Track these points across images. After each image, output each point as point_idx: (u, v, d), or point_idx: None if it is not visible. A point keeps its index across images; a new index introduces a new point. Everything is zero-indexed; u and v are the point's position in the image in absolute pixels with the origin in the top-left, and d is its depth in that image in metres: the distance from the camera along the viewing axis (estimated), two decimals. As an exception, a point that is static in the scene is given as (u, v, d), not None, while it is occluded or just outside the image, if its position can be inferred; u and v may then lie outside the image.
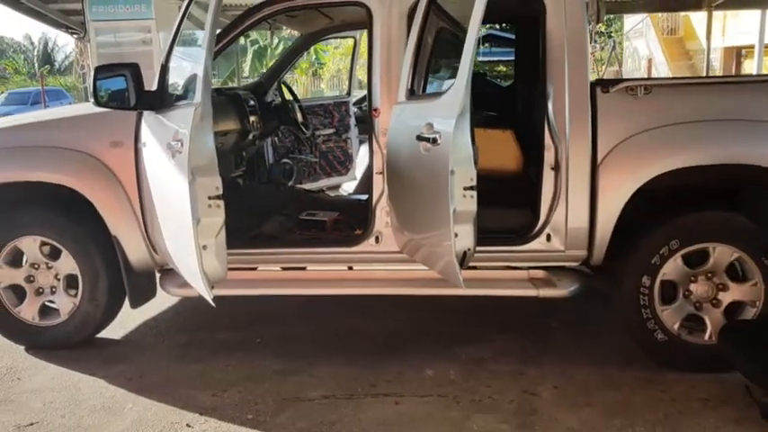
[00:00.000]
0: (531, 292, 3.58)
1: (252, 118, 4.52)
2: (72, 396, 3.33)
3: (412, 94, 3.43)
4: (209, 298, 2.92)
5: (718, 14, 18.11)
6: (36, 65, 43.69)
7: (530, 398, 3.25)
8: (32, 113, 4.32)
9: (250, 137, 4.51)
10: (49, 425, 3.07)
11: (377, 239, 3.66)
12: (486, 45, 26.14)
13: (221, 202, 2.88)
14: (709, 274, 3.44)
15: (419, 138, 3.05)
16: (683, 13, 21.06)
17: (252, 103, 4.60)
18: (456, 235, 2.93)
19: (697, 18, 19.20)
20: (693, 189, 3.44)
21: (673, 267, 3.44)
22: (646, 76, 19.08)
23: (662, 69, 21.32)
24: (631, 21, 23.51)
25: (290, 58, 5.47)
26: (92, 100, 3.41)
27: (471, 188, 2.91)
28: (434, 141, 2.93)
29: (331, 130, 5.98)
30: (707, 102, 3.39)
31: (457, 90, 2.89)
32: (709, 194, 3.46)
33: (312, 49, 19.34)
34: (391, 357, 3.69)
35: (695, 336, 3.48)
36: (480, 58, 22.95)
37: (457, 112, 2.84)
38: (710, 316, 3.46)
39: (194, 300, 4.51)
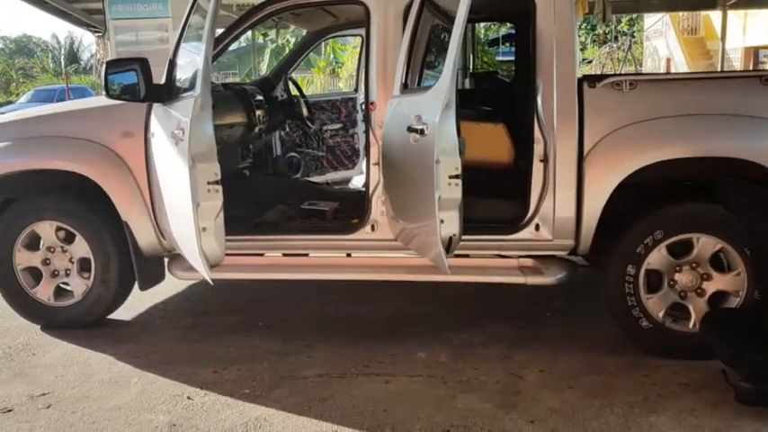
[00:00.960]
0: (520, 280, 3.71)
1: (258, 112, 4.70)
2: (82, 370, 3.54)
3: (405, 88, 3.59)
4: (207, 277, 3.11)
5: (739, 14, 18.03)
6: (62, 63, 44.51)
7: (515, 380, 3.39)
8: (50, 106, 4.54)
9: (256, 130, 4.70)
10: (60, 395, 3.27)
11: (372, 228, 3.82)
12: (506, 44, 26.21)
13: (219, 187, 3.06)
14: (694, 264, 3.56)
15: (409, 129, 3.21)
16: (703, 13, 20.95)
17: (258, 97, 4.78)
18: (442, 221, 3.09)
19: (717, 18, 19.12)
20: (676, 181, 3.55)
21: (657, 257, 3.56)
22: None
23: (681, 69, 21.20)
24: (650, 20, 23.41)
25: (296, 55, 5.65)
26: (104, 93, 3.60)
27: (456, 177, 3.06)
28: (422, 132, 3.09)
29: (338, 125, 6.15)
30: (689, 97, 3.51)
31: (442, 83, 3.04)
32: (690, 187, 3.57)
33: (330, 48, 19.54)
34: (385, 341, 3.85)
35: (680, 324, 3.60)
36: (500, 58, 23.04)
37: (442, 105, 3.00)
38: (695, 305, 3.57)
39: (201, 285, 4.78)
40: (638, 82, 3.52)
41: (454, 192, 3.07)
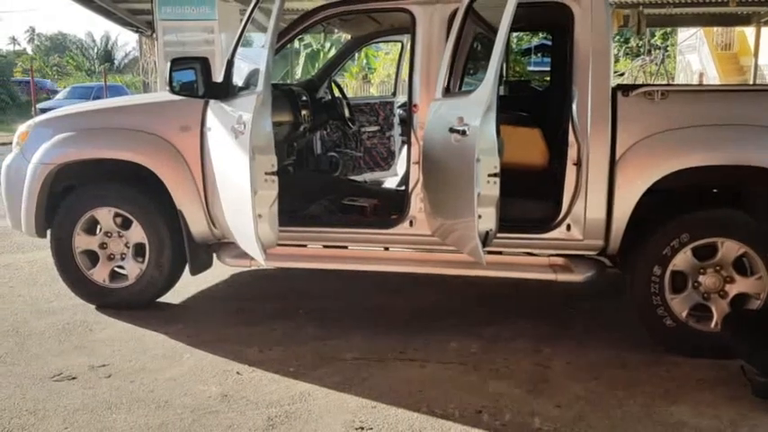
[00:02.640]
0: (550, 276, 3.91)
1: (304, 111, 4.96)
2: (137, 346, 3.81)
3: (447, 92, 3.81)
4: (261, 260, 3.36)
5: (773, 31, 17.98)
6: (96, 62, 45.47)
7: (543, 370, 3.59)
8: (112, 99, 4.83)
9: (301, 129, 4.95)
10: (118, 366, 3.54)
11: (411, 223, 4.05)
12: (539, 55, 26.38)
13: (275, 178, 3.31)
14: (718, 267, 3.72)
15: (451, 130, 3.43)
16: (737, 29, 20.90)
17: (304, 98, 5.04)
18: (480, 217, 3.30)
19: (752, 34, 19.07)
20: (703, 188, 3.73)
21: (683, 259, 3.73)
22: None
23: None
24: (684, 34, 23.38)
25: (340, 59, 5.90)
26: (167, 88, 3.87)
27: (495, 175, 3.28)
28: (464, 133, 3.31)
29: (376, 128, 6.39)
30: (717, 108, 3.68)
31: (485, 88, 3.26)
32: (716, 193, 3.74)
33: (363, 54, 19.86)
34: (419, 331, 4.06)
35: (702, 324, 3.76)
36: (531, 68, 23.22)
37: (484, 108, 3.22)
38: (717, 306, 3.73)
39: (243, 274, 5.04)
40: (669, 92, 3.71)
41: (492, 189, 3.28)
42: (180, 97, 3.97)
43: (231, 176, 3.55)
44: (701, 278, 3.75)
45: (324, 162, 5.72)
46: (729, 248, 3.68)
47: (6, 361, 3.60)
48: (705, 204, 3.76)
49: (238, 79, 3.95)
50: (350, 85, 19.97)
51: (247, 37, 6.38)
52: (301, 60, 19.80)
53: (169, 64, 3.78)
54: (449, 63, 3.83)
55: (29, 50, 53.27)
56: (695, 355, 3.69)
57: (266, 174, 3.27)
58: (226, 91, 3.82)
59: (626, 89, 3.77)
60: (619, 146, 3.72)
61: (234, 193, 3.49)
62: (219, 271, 4.91)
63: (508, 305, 4.58)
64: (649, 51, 25.39)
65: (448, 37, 3.86)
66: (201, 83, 3.82)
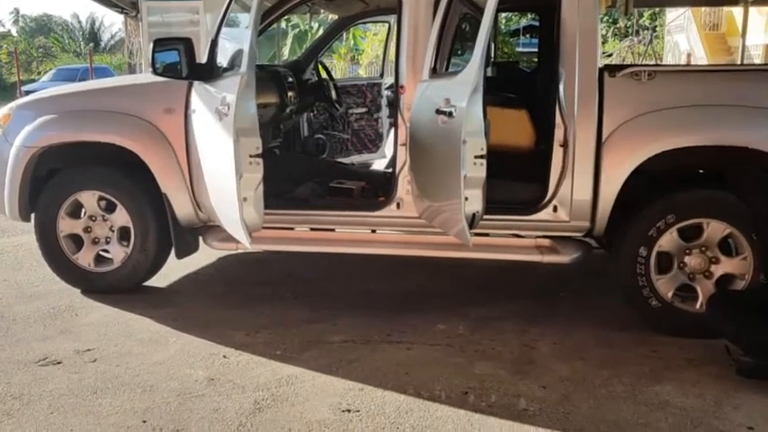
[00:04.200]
0: (537, 258, 3.92)
1: (290, 93, 4.91)
2: (123, 330, 3.79)
3: (434, 73, 3.78)
4: (247, 243, 3.34)
5: (762, 11, 17.95)
6: (82, 44, 44.90)
7: (529, 351, 3.60)
8: (96, 81, 4.76)
9: (287, 111, 4.91)
10: (104, 351, 3.52)
11: (398, 205, 4.03)
12: (527, 36, 26.24)
13: (260, 160, 3.28)
14: (703, 248, 3.74)
15: (437, 111, 3.41)
16: (726, 9, 20.87)
17: (290, 79, 4.99)
18: (466, 199, 3.29)
19: (740, 14, 19.04)
20: (689, 168, 3.73)
21: (669, 240, 3.74)
22: (684, 70, 18.93)
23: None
24: (672, 15, 23.33)
25: (326, 40, 5.85)
26: (149, 70, 3.82)
27: (481, 157, 3.26)
28: (450, 114, 3.29)
29: (363, 110, 6.34)
30: (705, 88, 3.68)
31: (471, 69, 3.24)
32: (702, 174, 3.75)
33: (351, 35, 19.72)
34: (407, 313, 4.06)
35: (687, 304, 3.79)
36: (520, 49, 23.11)
37: (470, 89, 3.19)
38: (702, 286, 3.76)
39: (230, 258, 5.03)
40: (656, 73, 3.70)
41: (479, 171, 3.27)
42: (164, 79, 3.92)
43: (216, 159, 3.51)
44: (686, 259, 3.76)
45: (311, 144, 5.67)
46: (715, 229, 3.70)
47: (-10, 346, 3.58)
48: (691, 185, 3.76)
49: (223, 60, 3.91)
50: (338, 66, 19.85)
51: (233, 17, 6.30)
52: (289, 41, 19.65)
53: (151, 45, 3.72)
54: (435, 44, 3.79)
55: (14, 32, 52.53)
56: (681, 335, 3.71)
57: (251, 156, 3.24)
58: (210, 72, 3.77)
59: (613, 70, 3.76)
60: (605, 127, 3.71)
61: (218, 175, 3.46)
62: (207, 254, 4.90)
63: (498, 287, 4.59)
64: (637, 32, 25.34)
65: (434, 17, 3.83)
66: (185, 64, 3.78)
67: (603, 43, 26.38)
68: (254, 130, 3.25)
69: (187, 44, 3.76)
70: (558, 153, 3.82)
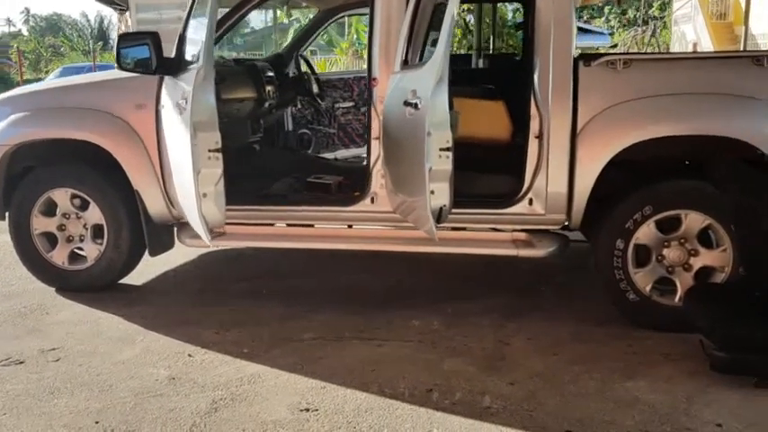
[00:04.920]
0: (512, 252, 3.83)
1: (268, 87, 4.85)
2: (92, 329, 3.74)
3: (405, 64, 3.70)
4: (207, 241, 3.28)
5: (767, -1, 17.68)
6: (90, 42, 45.08)
7: (502, 346, 3.52)
8: (68, 78, 4.72)
9: (266, 105, 4.85)
10: (69, 350, 3.48)
11: (372, 200, 3.95)
12: None
13: (220, 155, 3.22)
14: (682, 240, 3.65)
15: (405, 103, 3.33)
16: (732, -2, 20.59)
17: (269, 73, 4.93)
18: (432, 192, 3.22)
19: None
20: (667, 159, 3.64)
21: (646, 232, 3.65)
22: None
23: (708, 55, 20.83)
24: (678, 4, 23.05)
25: (308, 34, 5.76)
26: (116, 65, 3.77)
27: (447, 149, 3.18)
28: (416, 106, 3.21)
29: (350, 104, 6.26)
30: (682, 77, 3.58)
31: (435, 59, 3.16)
32: (680, 164, 3.65)
33: (354, 29, 19.58)
34: (383, 309, 4.00)
35: (666, 297, 3.70)
36: None
37: (435, 80, 3.11)
38: (681, 279, 3.66)
39: (211, 255, 4.98)
40: (632, 61, 3.60)
41: (444, 164, 3.20)
42: (134, 74, 3.87)
43: (178, 155, 3.45)
44: (665, 251, 3.67)
45: (294, 139, 5.62)
46: (693, 220, 3.60)
47: (-45, 346, 3.55)
48: (669, 176, 3.66)
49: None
50: (341, 61, 19.74)
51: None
52: (290, 37, 19.57)
53: (116, 39, 3.67)
54: (407, 34, 3.72)
55: (24, 32, 52.89)
56: (660, 330, 3.62)
57: (210, 151, 3.18)
58: (177, 66, 3.71)
59: (588, 59, 3.67)
60: (580, 117, 3.63)
61: (180, 171, 3.41)
62: (187, 252, 4.84)
63: (481, 281, 4.51)
64: (645, 22, 25.06)
65: (407, 7, 3.75)
66: (154, 58, 3.72)
67: (611, 34, 26.11)
68: (212, 124, 3.19)
69: (154, 38, 3.70)
70: (533, 145, 3.73)
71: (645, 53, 5.48)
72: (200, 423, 2.76)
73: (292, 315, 3.92)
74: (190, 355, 3.40)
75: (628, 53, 4.92)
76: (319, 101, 5.50)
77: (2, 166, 4.21)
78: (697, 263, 3.65)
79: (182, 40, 3.75)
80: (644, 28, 21.50)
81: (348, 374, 3.17)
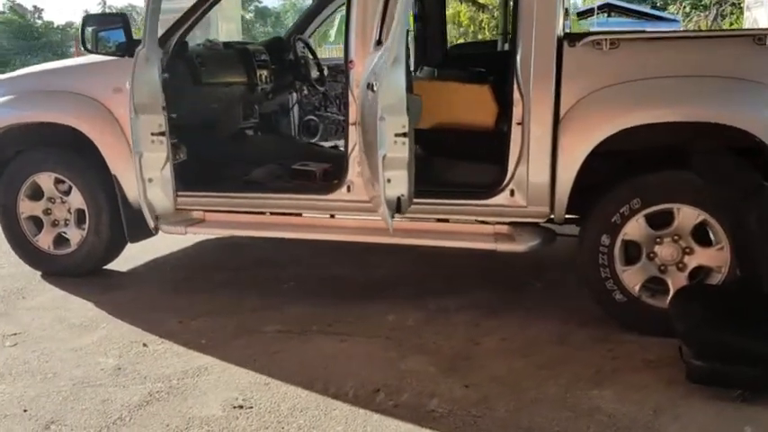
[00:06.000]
0: (489, 246, 3.61)
1: (261, 72, 4.73)
2: (59, 315, 3.72)
3: (378, 44, 3.51)
4: (151, 225, 3.19)
5: None
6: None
7: (471, 346, 3.32)
8: (58, 62, 4.72)
9: (259, 90, 4.73)
10: (29, 335, 3.46)
11: (348, 189, 3.79)
12: (603, 15, 24.95)
13: (164, 139, 3.10)
14: (675, 237, 3.36)
15: (367, 86, 3.16)
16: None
17: (263, 57, 4.81)
18: (389, 181, 3.04)
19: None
20: (657, 148, 3.34)
21: (635, 227, 3.37)
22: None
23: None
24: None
25: (309, 18, 5.61)
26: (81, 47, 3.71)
27: (403, 135, 2.99)
28: (373, 88, 3.03)
29: (360, 89, 6.09)
30: (675, 57, 3.28)
31: (391, 39, 2.96)
32: (672, 154, 3.35)
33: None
34: (362, 302, 3.84)
35: (657, 299, 3.41)
36: (594, 29, 22.07)
37: (390, 60, 2.92)
38: (674, 279, 3.37)
39: (210, 242, 4.92)
40: (620, 41, 3.31)
41: (401, 151, 3.01)
42: (113, 58, 3.81)
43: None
44: (656, 248, 3.39)
45: (298, 126, 5.48)
46: (687, 215, 3.30)
47: None
48: (658, 166, 3.36)
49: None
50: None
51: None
52: (336, 23, 19.47)
53: (81, 20, 3.61)
54: (381, 13, 3.52)
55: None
56: (648, 333, 3.33)
57: (153, 134, 3.07)
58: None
59: (574, 38, 3.40)
60: (563, 103, 3.37)
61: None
62: (184, 239, 4.79)
63: (468, 276, 4.28)
64: (720, 3, 23.84)
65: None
66: (124, 41, 3.65)
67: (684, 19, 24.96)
68: (154, 106, 3.09)
69: (125, 19, 3.63)
70: (516, 132, 3.49)
71: (636, 32, 5.09)
72: (126, 416, 2.67)
73: (266, 306, 3.81)
74: (145, 345, 3.32)
75: (616, 32, 4.58)
76: (318, 87, 5.34)
77: (-10, 149, 4.23)
78: (692, 262, 3.35)
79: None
80: (706, 13, 20.48)
81: (297, 371, 3.03)
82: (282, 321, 3.59)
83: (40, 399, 2.81)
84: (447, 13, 18.46)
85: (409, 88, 3.01)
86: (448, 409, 2.71)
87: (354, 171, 3.76)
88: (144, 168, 3.06)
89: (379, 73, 3.03)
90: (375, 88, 3.00)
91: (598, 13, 24.86)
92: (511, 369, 3.06)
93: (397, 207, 3.15)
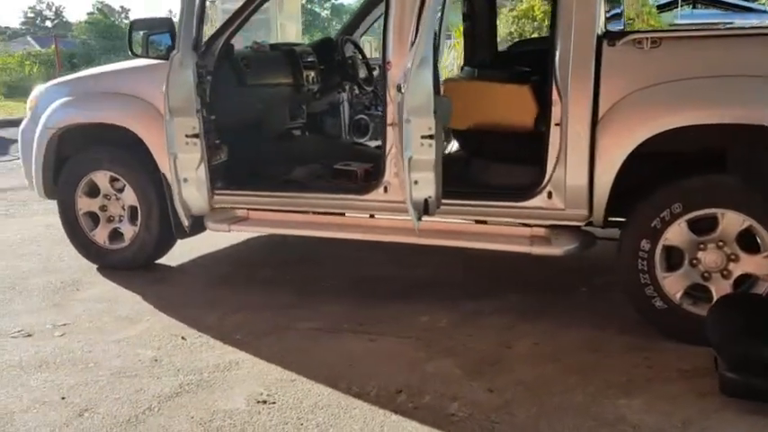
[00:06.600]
0: (524, 249, 3.56)
1: (307, 73, 4.81)
2: (108, 307, 3.89)
3: (413, 45, 3.51)
4: (186, 224, 3.29)
5: None
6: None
7: (502, 350, 3.28)
8: (114, 64, 4.92)
9: (305, 90, 4.81)
10: (77, 326, 3.63)
11: (385, 189, 3.79)
12: (688, 7, 23.91)
13: (198, 141, 3.20)
14: (720, 243, 3.23)
15: (397, 88, 3.17)
16: None
17: (310, 58, 4.88)
18: (415, 182, 3.04)
19: None
20: (697, 150, 3.22)
21: (676, 233, 3.26)
22: None
23: None
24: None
25: (360, 17, 5.65)
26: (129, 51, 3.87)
27: (430, 137, 2.99)
28: (400, 90, 3.04)
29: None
30: (720, 56, 3.14)
31: (419, 40, 2.96)
32: (715, 157, 3.21)
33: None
34: (397, 302, 3.85)
35: (699, 307, 3.28)
36: (678, 21, 21.19)
37: (416, 62, 2.92)
38: (718, 287, 3.24)
39: (259, 239, 5.04)
40: (662, 39, 3.21)
41: (428, 153, 3.01)
42: (161, 61, 3.95)
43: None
44: (700, 255, 3.26)
45: (348, 126, 5.53)
46: (731, 221, 3.17)
47: (-17, 316, 3.81)
48: (701, 170, 3.23)
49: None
50: (459, 45, 19.26)
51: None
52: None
53: (128, 25, 3.76)
54: (417, 13, 3.52)
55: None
56: (689, 342, 3.21)
57: (187, 136, 3.17)
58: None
59: (614, 37, 3.31)
60: (602, 103, 3.29)
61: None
62: (236, 236, 4.93)
63: (512, 278, 4.22)
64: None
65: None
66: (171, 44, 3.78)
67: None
68: (188, 109, 3.19)
69: (170, 24, 3.76)
70: (555, 133, 3.43)
71: (683, 28, 4.85)
72: (155, 407, 2.78)
73: (301, 303, 3.88)
74: (183, 338, 3.44)
75: (661, 30, 4.41)
76: (365, 87, 5.37)
77: (50, 148, 4.44)
78: (737, 269, 3.22)
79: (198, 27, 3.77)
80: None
81: (323, 368, 3.08)
82: (315, 319, 3.64)
83: (78, 387, 2.95)
84: (522, 7, 18.11)
85: (437, 90, 3.00)
86: (467, 413, 2.69)
87: (391, 172, 3.77)
88: (179, 169, 3.17)
89: (406, 74, 3.03)
90: (402, 90, 3.00)
91: (682, 5, 23.85)
92: (539, 374, 3.02)
93: (425, 209, 3.14)
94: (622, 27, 4.11)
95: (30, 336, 3.52)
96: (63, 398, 2.86)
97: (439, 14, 6.22)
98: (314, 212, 4.10)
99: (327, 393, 2.86)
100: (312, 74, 4.87)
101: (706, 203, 3.20)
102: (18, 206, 6.61)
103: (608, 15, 3.63)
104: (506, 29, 19.55)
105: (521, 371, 3.05)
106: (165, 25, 3.78)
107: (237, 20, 3.97)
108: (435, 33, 3.03)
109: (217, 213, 4.14)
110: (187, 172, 3.22)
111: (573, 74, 3.31)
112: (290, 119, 4.90)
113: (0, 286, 4.29)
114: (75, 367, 3.14)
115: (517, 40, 11.85)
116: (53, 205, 4.67)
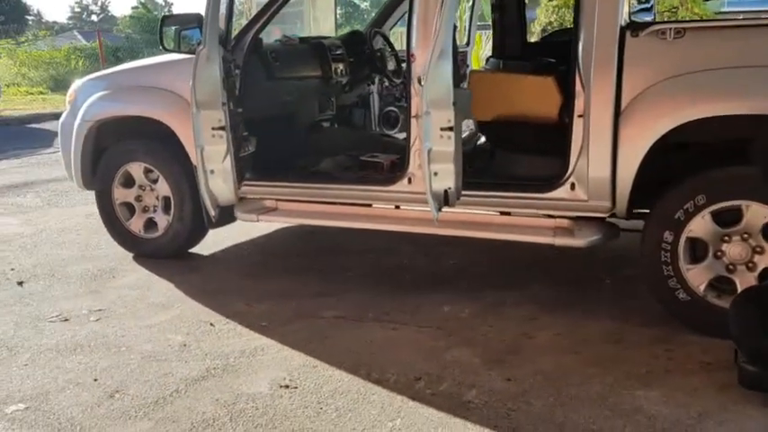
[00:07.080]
0: (547, 240, 3.57)
1: (336, 65, 4.87)
2: (141, 294, 4.03)
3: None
4: (212, 214, 3.39)
5: None
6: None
7: (523, 340, 3.31)
8: (148, 59, 5.06)
9: (333, 83, 4.88)
10: (112, 312, 3.77)
11: (409, 180, 3.84)
12: None
13: (224, 133, 3.29)
14: (745, 235, 3.20)
15: (418, 80, 3.21)
16: None
17: (338, 51, 4.94)
18: (435, 174, 3.08)
19: None
20: (724, 142, 3.19)
21: (700, 224, 3.24)
22: None
23: None
24: None
25: (389, 10, 5.69)
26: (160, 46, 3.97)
27: (449, 129, 3.02)
28: (420, 82, 3.08)
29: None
30: (744, 46, 3.10)
31: (439, 32, 3.00)
32: (739, 148, 3.18)
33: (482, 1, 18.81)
34: (421, 292, 3.91)
35: (723, 299, 3.26)
36: (726, 9, 20.65)
37: (435, 54, 2.96)
38: (743, 279, 3.22)
39: (290, 229, 5.14)
40: (686, 30, 3.18)
41: (446, 144, 3.05)
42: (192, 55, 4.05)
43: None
44: (724, 247, 3.24)
45: (378, 118, 5.58)
46: (756, 213, 3.14)
47: (24, 301, 3.96)
48: (725, 161, 3.20)
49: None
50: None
51: None
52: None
53: (160, 20, 3.87)
54: (440, 5, 3.55)
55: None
56: (713, 335, 3.19)
57: (213, 129, 3.27)
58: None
59: (637, 27, 3.29)
60: (625, 94, 3.28)
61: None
62: (268, 226, 5.05)
63: (535, 269, 4.23)
64: None
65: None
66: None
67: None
68: (215, 102, 3.28)
69: (200, 19, 3.86)
70: (578, 124, 3.43)
71: (706, 20, 4.73)
72: (182, 389, 2.88)
73: (327, 292, 3.96)
74: (211, 324, 3.55)
75: (684, 21, 4.34)
76: (394, 79, 5.41)
77: (88, 140, 4.60)
78: (762, 262, 3.19)
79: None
80: None
81: (345, 355, 3.15)
82: (339, 308, 3.72)
83: (110, 370, 3.08)
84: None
85: (456, 82, 3.03)
86: (484, 401, 2.74)
87: (415, 163, 3.81)
88: (205, 161, 3.27)
89: (426, 66, 3.07)
90: (422, 82, 3.05)
91: (717, -9, 23.23)
92: (558, 365, 3.04)
93: (445, 200, 3.18)
94: (652, 19, 4.08)
95: (66, 320, 3.67)
96: (95, 379, 2.99)
97: (471, 3, 6.27)
98: (341, 203, 4.18)
99: (348, 379, 2.94)
100: (341, 66, 4.93)
101: (730, 195, 3.17)
102: (60, 196, 6.84)
103: (637, 9, 3.62)
104: (546, 18, 19.35)
105: (540, 361, 3.08)
106: (194, 20, 3.88)
107: (266, 14, 4.05)
108: (455, 26, 3.05)
109: (246, 204, 4.24)
110: (213, 164, 3.32)
111: (596, 65, 3.31)
112: (318, 111, 4.97)
113: (40, 273, 4.46)
114: (108, 351, 3.28)
115: (552, 30, 11.75)
116: (93, 196, 4.82)
